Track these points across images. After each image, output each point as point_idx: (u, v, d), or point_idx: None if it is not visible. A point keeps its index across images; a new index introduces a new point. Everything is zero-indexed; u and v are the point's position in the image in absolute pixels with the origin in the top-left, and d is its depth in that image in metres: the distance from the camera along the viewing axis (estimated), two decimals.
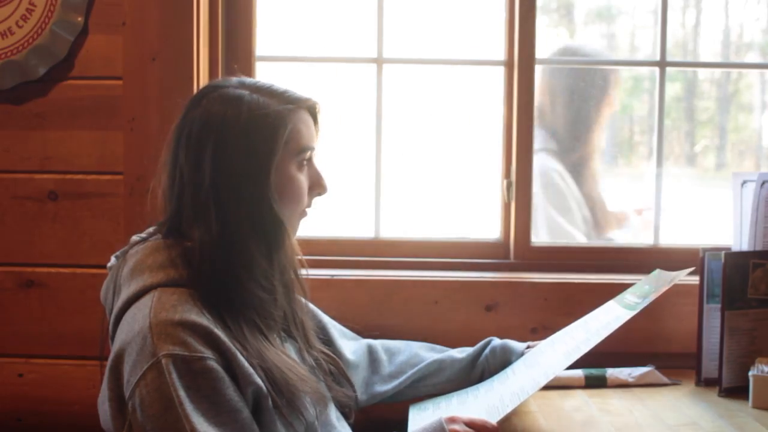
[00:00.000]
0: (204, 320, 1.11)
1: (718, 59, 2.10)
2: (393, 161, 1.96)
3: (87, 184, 1.78)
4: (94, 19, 1.75)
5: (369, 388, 1.51)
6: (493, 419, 1.23)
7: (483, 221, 1.97)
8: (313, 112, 1.28)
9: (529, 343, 1.56)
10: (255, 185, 1.18)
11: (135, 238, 1.27)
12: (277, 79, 1.30)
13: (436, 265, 1.89)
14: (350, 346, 1.52)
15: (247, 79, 1.26)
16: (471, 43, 1.98)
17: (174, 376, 1.06)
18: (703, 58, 2.09)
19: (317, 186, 1.29)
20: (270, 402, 1.14)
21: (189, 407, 1.05)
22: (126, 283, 1.20)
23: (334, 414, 1.32)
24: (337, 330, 1.52)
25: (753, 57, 2.11)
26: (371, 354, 1.55)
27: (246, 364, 1.12)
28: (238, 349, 1.12)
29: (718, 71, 2.10)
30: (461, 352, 1.56)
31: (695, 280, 1.65)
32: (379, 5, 1.91)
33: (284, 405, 1.15)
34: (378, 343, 1.59)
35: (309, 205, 1.30)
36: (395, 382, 1.52)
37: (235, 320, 1.16)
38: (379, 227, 1.94)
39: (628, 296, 1.54)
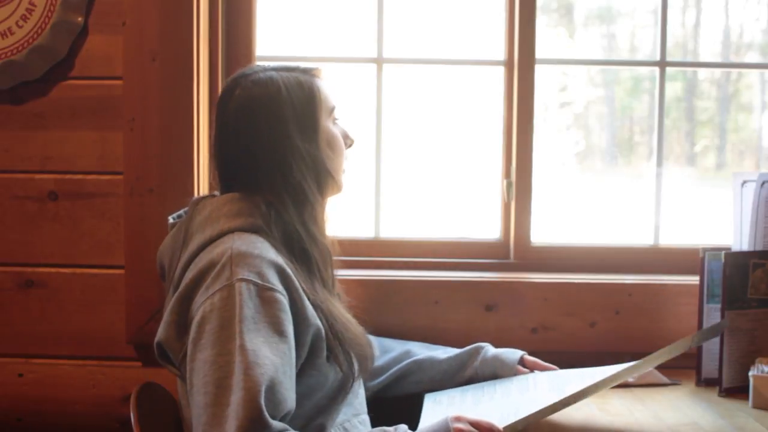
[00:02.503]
0: (279, 260, 1.21)
1: (718, 59, 2.10)
2: (393, 161, 1.96)
3: (87, 184, 1.78)
4: (94, 19, 1.75)
5: None
6: (502, 424, 1.23)
7: (483, 221, 1.96)
8: (320, 78, 1.41)
9: (524, 353, 1.56)
10: (311, 146, 1.33)
11: (195, 198, 1.37)
12: None
13: (436, 265, 1.89)
14: None
15: (264, 63, 1.40)
16: (471, 43, 1.98)
17: (244, 297, 1.13)
18: (703, 58, 2.09)
19: (347, 139, 1.43)
20: (325, 345, 1.22)
21: (249, 326, 1.11)
22: (200, 230, 1.27)
23: (360, 381, 1.40)
24: None
25: (753, 57, 2.11)
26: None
27: (310, 307, 1.21)
28: (306, 293, 1.21)
29: (718, 71, 2.10)
30: (445, 353, 1.58)
31: (695, 280, 1.65)
32: (379, 5, 1.91)
33: (338, 352, 1.24)
34: (374, 339, 1.60)
35: (346, 158, 1.44)
36: (380, 378, 1.56)
37: (305, 268, 1.26)
38: (379, 227, 1.94)
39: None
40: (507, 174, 1.92)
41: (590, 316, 1.77)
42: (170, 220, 1.40)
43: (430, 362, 1.56)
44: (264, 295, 1.15)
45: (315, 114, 1.34)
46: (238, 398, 1.05)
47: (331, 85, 1.41)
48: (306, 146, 1.31)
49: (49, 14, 1.73)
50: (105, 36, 1.75)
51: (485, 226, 1.95)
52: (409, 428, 1.22)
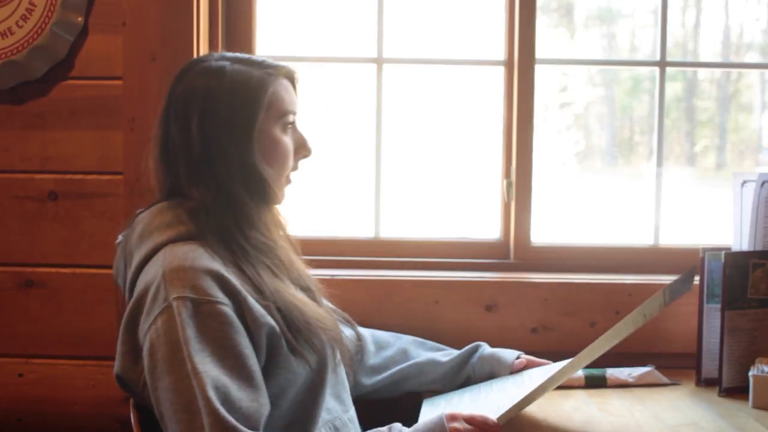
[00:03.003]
0: (215, 265, 1.15)
1: (718, 59, 2.10)
2: (393, 161, 1.96)
3: (87, 184, 1.78)
4: (94, 19, 1.75)
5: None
6: (495, 415, 1.24)
7: (483, 221, 1.96)
8: (291, 78, 1.33)
9: (520, 354, 1.56)
10: (241, 147, 1.23)
11: (138, 211, 1.31)
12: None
13: (436, 265, 1.89)
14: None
15: (228, 53, 1.31)
16: (471, 43, 1.98)
17: (183, 316, 1.09)
18: (703, 58, 2.09)
19: (302, 149, 1.34)
20: (284, 341, 1.17)
21: (194, 347, 1.07)
22: (137, 248, 1.23)
23: (343, 369, 1.36)
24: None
25: (753, 57, 2.11)
26: (359, 341, 1.55)
27: (257, 306, 1.15)
28: (249, 292, 1.16)
29: (718, 71, 2.10)
30: (446, 356, 1.57)
31: (695, 280, 1.65)
32: (379, 5, 1.91)
33: (300, 342, 1.19)
34: (368, 333, 1.60)
35: (295, 168, 1.35)
36: (377, 377, 1.54)
37: (249, 263, 1.20)
38: (379, 227, 1.94)
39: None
40: (507, 174, 1.92)
41: (590, 316, 1.78)
42: (119, 238, 1.35)
43: (432, 365, 1.55)
44: (203, 310, 1.10)
45: (253, 115, 1.24)
46: (208, 423, 1.03)
47: (291, 88, 1.31)
48: (234, 149, 1.22)
49: (49, 14, 1.73)
50: (105, 36, 1.75)
51: (485, 226, 1.95)
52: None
